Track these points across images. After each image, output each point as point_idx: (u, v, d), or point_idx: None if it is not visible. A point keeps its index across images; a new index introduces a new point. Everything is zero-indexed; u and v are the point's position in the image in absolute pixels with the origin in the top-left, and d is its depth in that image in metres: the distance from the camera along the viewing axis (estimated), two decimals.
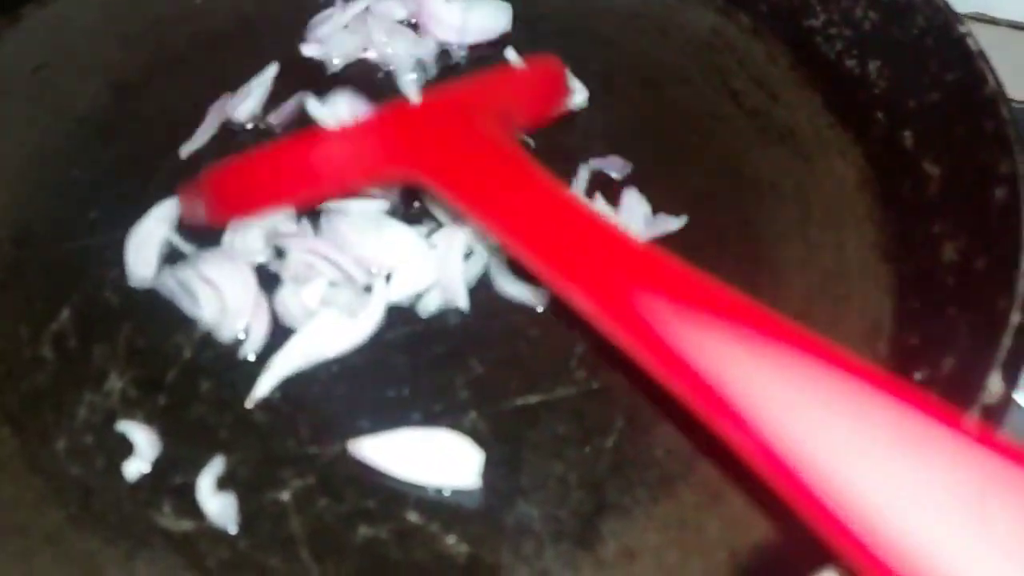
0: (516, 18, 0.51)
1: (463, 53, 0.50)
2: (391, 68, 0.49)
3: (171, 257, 0.40)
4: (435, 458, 0.35)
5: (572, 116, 0.47)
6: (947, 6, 0.40)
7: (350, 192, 0.40)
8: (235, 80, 0.48)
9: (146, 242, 0.40)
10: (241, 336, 0.38)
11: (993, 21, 0.69)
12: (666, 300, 0.27)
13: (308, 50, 0.49)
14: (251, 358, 0.37)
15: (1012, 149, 0.34)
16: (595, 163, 0.44)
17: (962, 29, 0.39)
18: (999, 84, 0.37)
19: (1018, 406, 0.41)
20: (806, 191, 0.44)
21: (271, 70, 0.47)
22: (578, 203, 0.32)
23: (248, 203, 0.39)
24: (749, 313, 0.26)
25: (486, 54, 0.50)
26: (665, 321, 0.27)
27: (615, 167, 0.44)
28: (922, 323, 0.36)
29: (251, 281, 0.39)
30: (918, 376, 0.33)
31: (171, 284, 0.39)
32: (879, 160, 0.43)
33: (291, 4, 0.52)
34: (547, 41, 0.50)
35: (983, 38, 0.68)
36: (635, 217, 0.42)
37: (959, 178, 0.38)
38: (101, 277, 0.40)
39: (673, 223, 0.42)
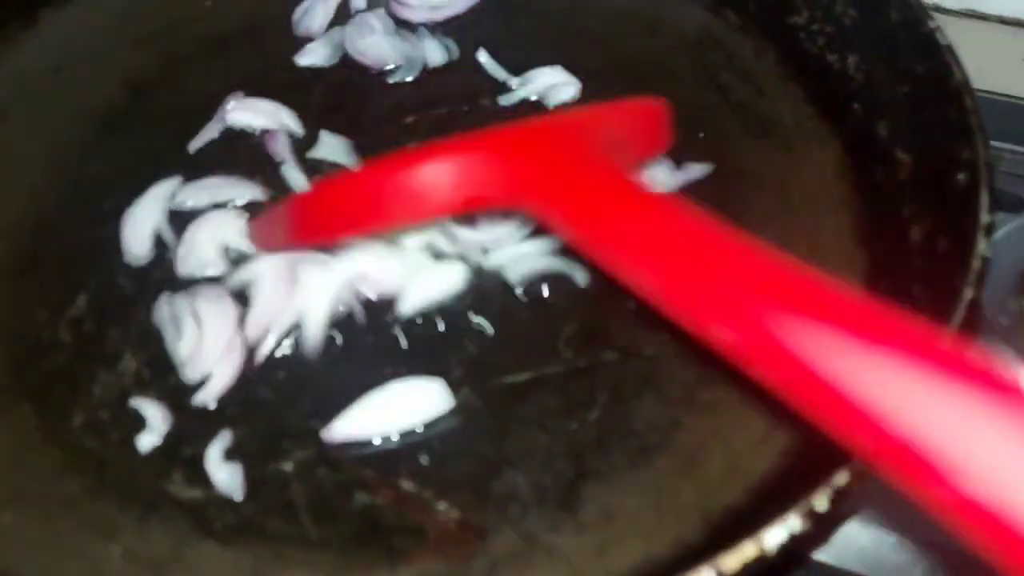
0: (511, 17, 0.53)
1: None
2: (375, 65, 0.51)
3: (173, 284, 0.41)
4: (406, 403, 0.37)
5: (563, 109, 0.49)
6: (919, 3, 0.42)
7: (441, 218, 0.38)
8: (241, 79, 0.50)
9: (141, 222, 0.42)
10: (201, 381, 0.38)
11: (983, 17, 0.70)
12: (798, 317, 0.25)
13: (302, 60, 0.51)
14: (211, 407, 0.37)
15: (974, 136, 0.36)
16: None
17: (931, 24, 0.41)
18: (965, 76, 0.39)
19: None
20: (786, 180, 0.46)
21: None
22: (697, 222, 0.30)
23: (336, 227, 0.37)
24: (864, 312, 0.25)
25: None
26: (797, 339, 0.25)
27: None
28: (891, 302, 0.38)
29: (230, 323, 0.39)
30: None
31: (164, 313, 0.40)
32: (856, 149, 0.45)
33: (291, 2, 0.54)
34: (541, 38, 0.52)
35: (974, 34, 0.70)
36: (660, 170, 0.44)
37: (927, 165, 0.40)
38: (115, 264, 0.42)
39: (698, 169, 0.45)
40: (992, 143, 0.55)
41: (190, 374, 0.38)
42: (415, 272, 0.41)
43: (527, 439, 0.37)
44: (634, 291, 0.30)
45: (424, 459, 0.36)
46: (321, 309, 0.39)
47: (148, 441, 0.37)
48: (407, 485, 0.36)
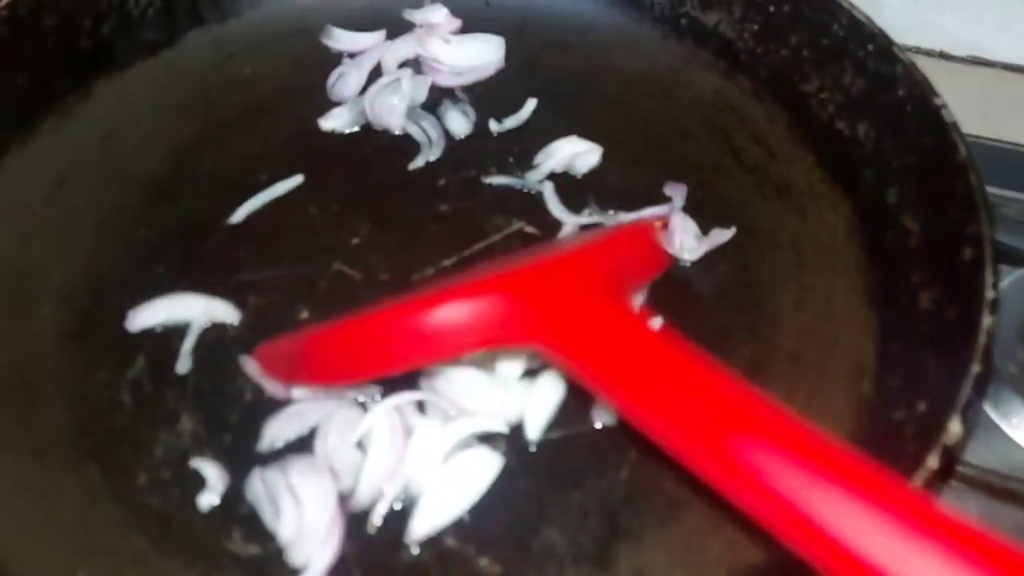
0: (533, 82, 0.56)
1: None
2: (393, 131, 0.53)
3: (263, 459, 0.40)
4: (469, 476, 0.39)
5: (588, 174, 0.52)
6: (925, 80, 0.45)
7: (451, 359, 0.38)
8: (278, 142, 0.53)
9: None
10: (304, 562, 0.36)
11: (989, 63, 0.73)
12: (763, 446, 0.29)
13: (326, 124, 0.54)
14: None
15: (979, 214, 0.39)
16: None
17: (937, 101, 0.43)
18: (970, 153, 0.41)
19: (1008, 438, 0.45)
20: (800, 241, 0.48)
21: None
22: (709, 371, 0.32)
23: (343, 371, 0.37)
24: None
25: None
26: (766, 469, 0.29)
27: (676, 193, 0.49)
28: (902, 366, 0.40)
29: (332, 501, 0.37)
30: (897, 415, 0.38)
31: (258, 488, 0.38)
32: (866, 214, 0.47)
33: (326, 70, 0.57)
34: (560, 103, 0.55)
35: (979, 81, 0.72)
36: (688, 236, 0.47)
37: (934, 234, 0.42)
38: (169, 327, 0.45)
39: (724, 235, 0.47)
40: (997, 191, 0.58)
41: (297, 556, 0.37)
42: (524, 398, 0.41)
43: (563, 497, 0.39)
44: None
45: (466, 517, 0.39)
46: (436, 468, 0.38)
47: (208, 500, 0.39)
48: (450, 542, 0.38)
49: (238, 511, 0.39)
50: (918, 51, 0.72)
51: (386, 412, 0.38)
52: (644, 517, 0.38)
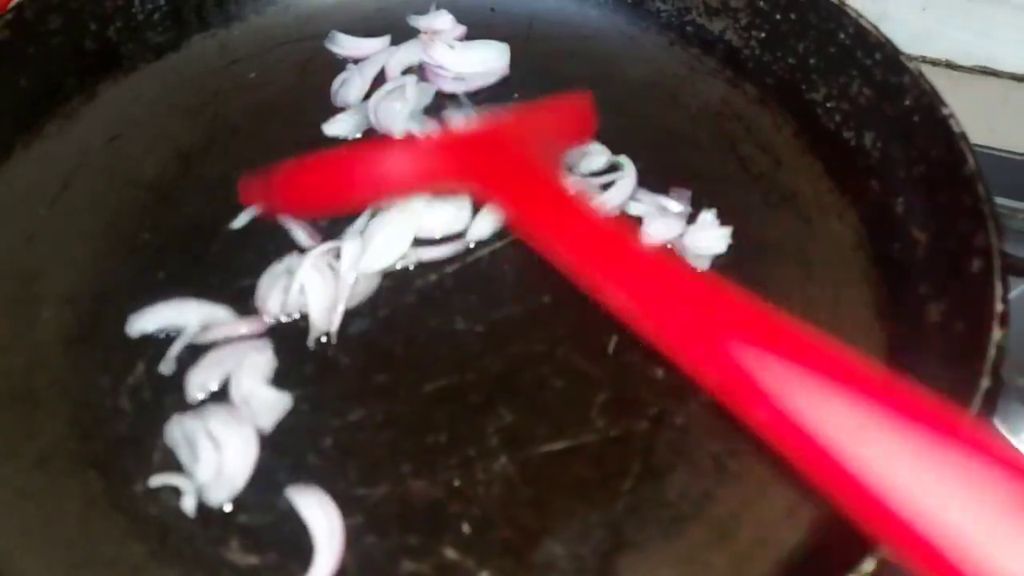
0: (539, 89, 0.55)
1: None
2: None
3: (182, 405, 0.42)
4: None
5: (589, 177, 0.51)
6: (933, 89, 0.44)
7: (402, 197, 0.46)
8: (283, 146, 0.53)
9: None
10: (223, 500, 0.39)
11: (996, 73, 0.73)
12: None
13: (330, 130, 0.54)
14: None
15: (987, 225, 0.38)
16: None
17: (945, 111, 0.43)
18: (978, 164, 0.41)
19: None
20: (807, 250, 0.48)
21: None
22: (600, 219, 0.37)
23: (312, 200, 0.45)
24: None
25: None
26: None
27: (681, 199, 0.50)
28: (912, 379, 0.40)
29: (253, 448, 0.40)
30: None
31: (176, 433, 0.40)
32: (873, 224, 0.47)
33: (331, 75, 0.56)
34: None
35: (986, 91, 0.72)
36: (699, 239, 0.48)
37: (942, 245, 0.42)
38: (169, 333, 0.45)
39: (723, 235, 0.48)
40: (1004, 201, 0.57)
41: (214, 497, 0.39)
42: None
43: (564, 509, 0.39)
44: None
45: (466, 528, 0.38)
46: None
47: (189, 503, 0.39)
48: (451, 553, 0.38)
49: (237, 521, 0.39)
50: (924, 60, 0.72)
51: (312, 262, 0.45)
52: (648, 529, 0.38)
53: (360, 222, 0.48)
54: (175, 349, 0.44)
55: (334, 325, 0.44)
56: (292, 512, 0.39)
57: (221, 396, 0.42)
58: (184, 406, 0.42)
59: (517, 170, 0.40)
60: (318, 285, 0.45)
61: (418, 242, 0.48)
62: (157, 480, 0.40)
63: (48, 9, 0.52)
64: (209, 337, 0.44)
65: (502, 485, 0.39)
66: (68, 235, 0.49)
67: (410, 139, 0.46)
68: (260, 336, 0.44)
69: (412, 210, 0.47)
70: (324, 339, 0.44)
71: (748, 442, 0.41)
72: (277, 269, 0.46)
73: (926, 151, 0.44)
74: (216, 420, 0.40)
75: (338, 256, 0.46)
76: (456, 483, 0.40)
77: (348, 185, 0.43)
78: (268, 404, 0.42)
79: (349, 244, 0.46)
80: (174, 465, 0.40)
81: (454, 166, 0.41)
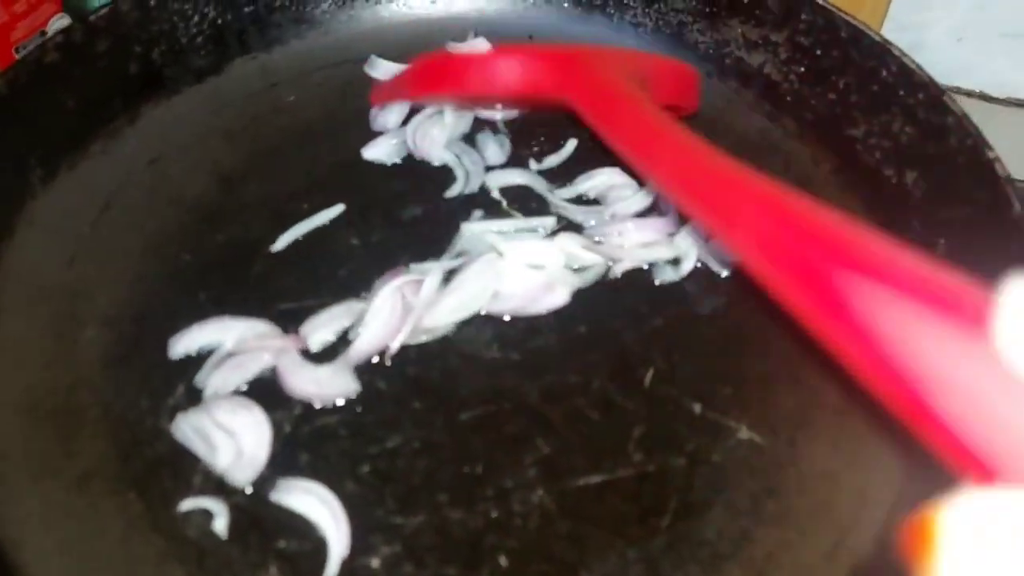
0: (575, 119, 0.55)
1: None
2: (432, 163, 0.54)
3: (185, 404, 0.43)
4: None
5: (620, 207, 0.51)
6: (978, 132, 0.44)
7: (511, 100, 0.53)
8: (321, 169, 0.53)
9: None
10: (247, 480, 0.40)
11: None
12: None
13: (368, 154, 0.54)
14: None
15: None
16: None
17: (991, 154, 0.43)
18: None
19: None
20: None
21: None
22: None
23: (437, 87, 0.52)
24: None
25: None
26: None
27: None
28: None
29: (266, 426, 0.42)
30: None
31: (186, 430, 0.41)
32: None
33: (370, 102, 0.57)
34: (602, 140, 0.55)
35: (1017, 122, 0.71)
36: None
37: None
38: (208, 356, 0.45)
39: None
40: None
41: (240, 477, 0.40)
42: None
43: (602, 543, 0.39)
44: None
45: (503, 560, 0.38)
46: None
47: (221, 524, 0.39)
48: None
49: (275, 547, 0.39)
50: (959, 92, 0.72)
51: (390, 290, 0.46)
52: (686, 567, 0.38)
53: (445, 260, 0.48)
54: (213, 361, 0.44)
55: (388, 353, 0.45)
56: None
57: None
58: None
59: (614, 92, 0.43)
60: (386, 313, 0.45)
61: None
62: (188, 504, 0.40)
63: (96, 33, 0.53)
64: (245, 349, 0.45)
65: (539, 517, 0.39)
66: (109, 255, 0.49)
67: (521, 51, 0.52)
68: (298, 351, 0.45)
69: (498, 270, 0.47)
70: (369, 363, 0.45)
71: (786, 482, 0.41)
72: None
73: (970, 193, 0.44)
74: (222, 410, 0.42)
75: (417, 290, 0.46)
76: (493, 514, 0.40)
77: (468, 79, 0.50)
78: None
79: (430, 282, 0.46)
80: (191, 462, 0.41)
81: (558, 80, 0.46)
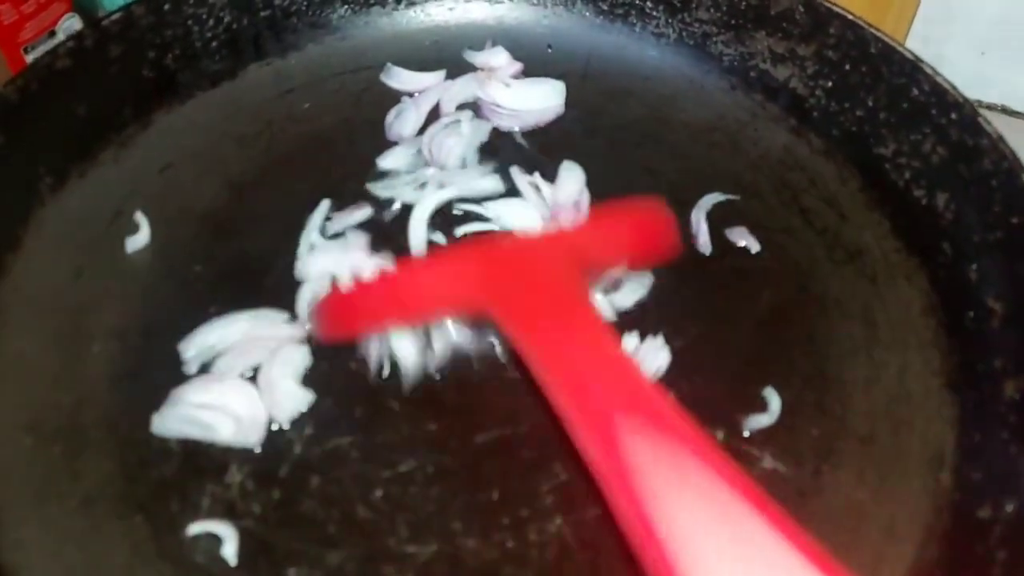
0: (595, 129, 0.54)
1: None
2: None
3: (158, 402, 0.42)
4: None
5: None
6: (1013, 154, 0.43)
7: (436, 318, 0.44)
8: (336, 178, 0.52)
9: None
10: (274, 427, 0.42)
11: None
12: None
13: (384, 163, 0.53)
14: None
15: None
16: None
17: None
18: None
19: None
20: (872, 311, 0.46)
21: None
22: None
23: (353, 325, 0.44)
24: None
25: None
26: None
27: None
28: (985, 459, 0.38)
29: (248, 387, 0.42)
30: (983, 514, 0.36)
31: (171, 426, 0.41)
32: (945, 289, 0.45)
33: (386, 107, 0.56)
34: (622, 151, 0.54)
35: None
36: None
37: (1020, 318, 0.40)
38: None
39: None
40: None
41: (251, 439, 0.41)
42: None
43: (618, 574, 0.38)
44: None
45: None
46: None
47: (230, 550, 0.38)
48: None
49: (285, 572, 0.38)
50: (980, 105, 0.71)
51: None
52: None
53: None
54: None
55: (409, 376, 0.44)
56: (343, 566, 0.38)
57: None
58: (236, 455, 0.41)
59: (536, 299, 0.38)
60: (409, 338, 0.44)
61: None
62: (196, 527, 0.39)
63: (109, 37, 0.51)
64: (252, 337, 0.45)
65: (557, 548, 0.38)
66: (118, 266, 0.48)
67: (432, 258, 0.46)
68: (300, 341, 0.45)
69: None
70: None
71: (811, 513, 0.40)
72: None
73: (1004, 217, 0.43)
74: (199, 393, 0.42)
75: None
76: (509, 544, 0.39)
77: (383, 308, 0.42)
78: (289, 396, 0.42)
79: None
80: (199, 483, 0.39)
81: (474, 290, 0.39)
